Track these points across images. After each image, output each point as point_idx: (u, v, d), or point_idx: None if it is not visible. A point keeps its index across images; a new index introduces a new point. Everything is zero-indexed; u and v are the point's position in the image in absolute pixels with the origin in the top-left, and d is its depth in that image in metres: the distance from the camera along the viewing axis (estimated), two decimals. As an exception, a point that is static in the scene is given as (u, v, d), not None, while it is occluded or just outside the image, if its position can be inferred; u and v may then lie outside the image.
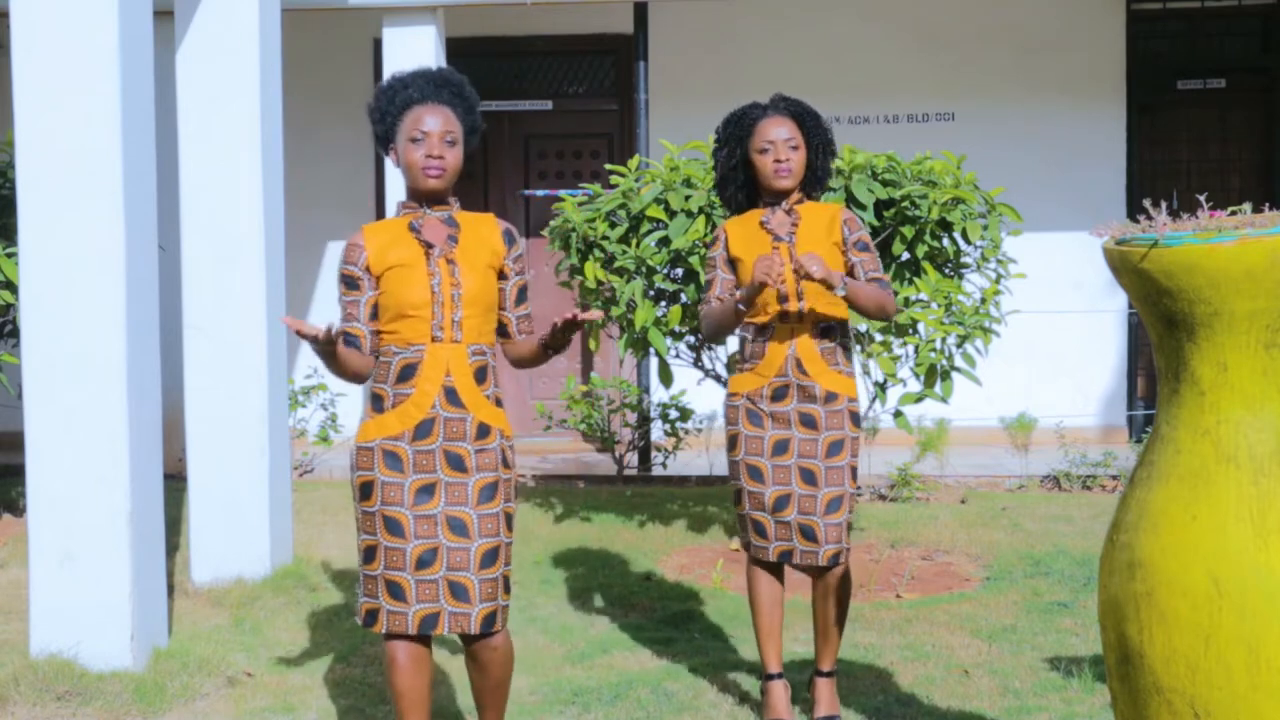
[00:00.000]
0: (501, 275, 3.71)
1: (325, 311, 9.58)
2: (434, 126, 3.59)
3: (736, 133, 4.36)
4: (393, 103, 3.67)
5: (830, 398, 4.27)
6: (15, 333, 6.75)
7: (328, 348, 3.43)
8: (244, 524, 5.92)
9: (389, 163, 8.26)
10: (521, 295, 3.75)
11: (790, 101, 4.38)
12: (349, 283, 3.63)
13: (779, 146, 4.26)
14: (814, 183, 4.39)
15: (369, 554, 3.58)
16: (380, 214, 9.41)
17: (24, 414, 4.79)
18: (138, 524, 4.82)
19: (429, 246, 3.60)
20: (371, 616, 3.59)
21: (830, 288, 4.07)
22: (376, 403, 3.61)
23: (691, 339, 6.58)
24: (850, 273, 4.28)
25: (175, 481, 6.55)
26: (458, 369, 3.57)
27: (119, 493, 4.75)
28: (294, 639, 5.26)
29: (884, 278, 4.30)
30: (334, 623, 5.44)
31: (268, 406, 5.96)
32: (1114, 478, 8.00)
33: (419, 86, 3.66)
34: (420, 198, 3.66)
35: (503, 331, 3.76)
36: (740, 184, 4.39)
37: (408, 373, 3.57)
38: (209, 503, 5.94)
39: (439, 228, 3.65)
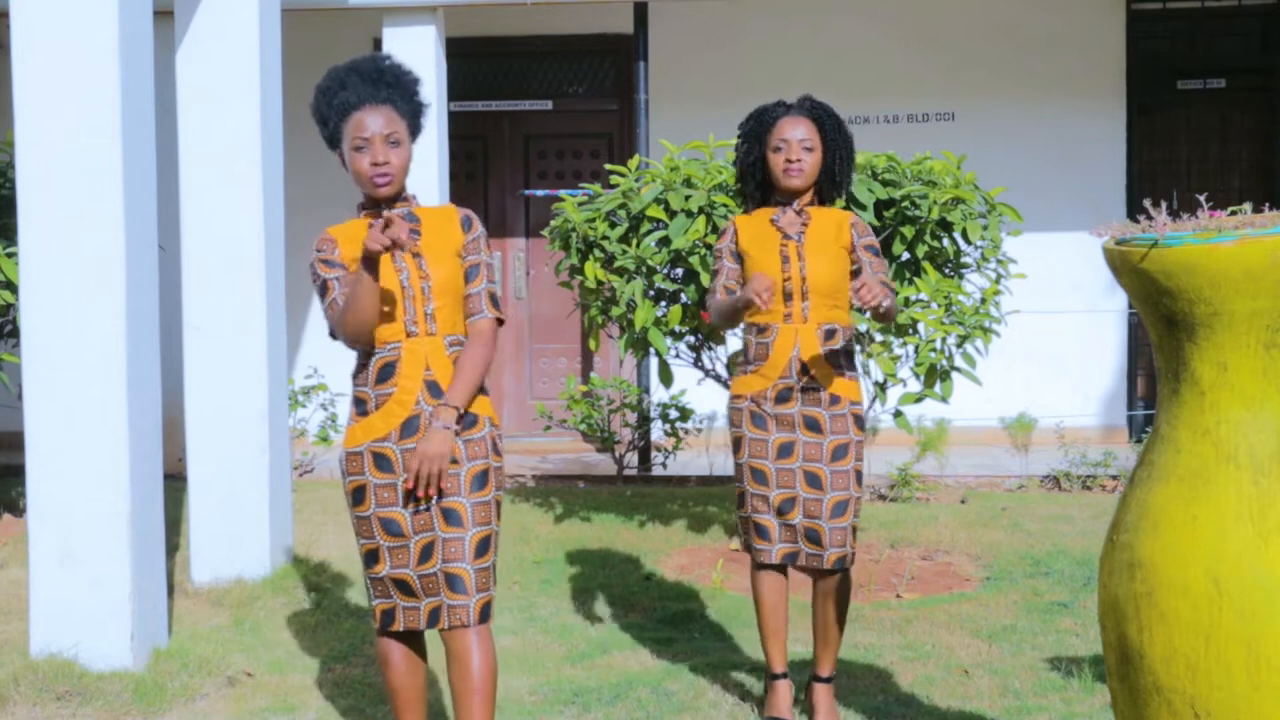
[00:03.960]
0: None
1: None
2: (375, 130, 3.51)
3: (756, 129, 4.38)
4: (331, 106, 3.59)
5: (834, 400, 4.27)
6: (15, 333, 6.75)
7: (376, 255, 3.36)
8: (244, 524, 5.92)
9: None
10: (470, 274, 3.62)
11: (815, 104, 4.38)
12: (328, 264, 3.58)
13: (792, 146, 4.26)
14: (830, 187, 4.38)
15: (371, 557, 3.56)
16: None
17: (24, 414, 4.79)
18: (138, 524, 4.82)
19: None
20: (388, 616, 3.58)
21: (879, 312, 4.09)
22: (359, 406, 3.57)
23: (691, 339, 6.58)
24: (858, 274, 4.30)
25: (175, 481, 6.55)
26: (437, 362, 3.53)
27: (119, 493, 4.75)
28: (294, 639, 5.26)
29: (891, 284, 4.33)
30: (334, 623, 5.44)
31: (268, 406, 5.96)
32: (1114, 478, 8.00)
33: (355, 88, 3.57)
34: (376, 201, 3.61)
35: None
36: (759, 181, 4.40)
37: (387, 372, 3.53)
38: (209, 503, 5.94)
39: (400, 224, 3.59)
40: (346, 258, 3.58)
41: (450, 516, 3.50)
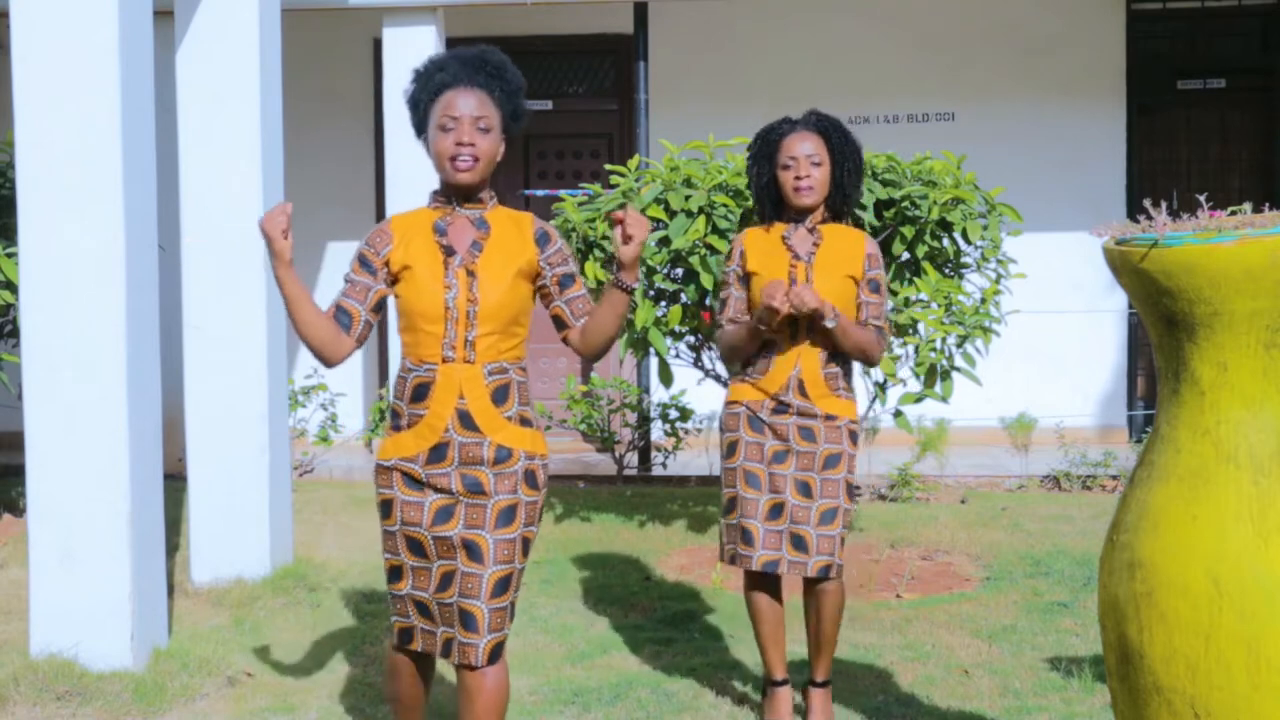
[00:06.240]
0: (538, 275, 3.43)
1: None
2: (465, 110, 3.29)
3: (765, 149, 4.32)
4: (426, 88, 3.38)
5: (829, 417, 4.25)
6: (15, 333, 6.75)
7: (280, 269, 3.23)
8: (244, 524, 5.92)
9: (389, 162, 8.18)
10: (566, 282, 3.43)
11: (821, 117, 4.33)
12: (365, 263, 3.39)
13: (800, 163, 4.22)
14: (841, 201, 4.33)
15: (395, 573, 3.44)
16: (380, 214, 9.41)
17: (24, 414, 4.79)
18: (138, 524, 4.82)
19: (449, 253, 3.34)
20: (406, 635, 3.46)
21: (821, 319, 4.08)
22: (394, 419, 3.42)
23: (691, 339, 6.58)
24: (857, 311, 4.27)
25: (175, 481, 6.55)
26: (472, 391, 3.33)
27: (119, 493, 4.75)
28: (294, 639, 5.26)
29: (884, 325, 4.28)
30: (334, 623, 5.44)
31: (268, 406, 5.96)
32: (1114, 478, 8.00)
33: (454, 69, 3.35)
34: (452, 192, 3.39)
35: (561, 324, 3.48)
36: (775, 201, 4.33)
37: (421, 392, 3.35)
38: (209, 503, 5.94)
39: (467, 230, 3.37)
40: (397, 256, 3.37)
41: (472, 551, 3.32)
